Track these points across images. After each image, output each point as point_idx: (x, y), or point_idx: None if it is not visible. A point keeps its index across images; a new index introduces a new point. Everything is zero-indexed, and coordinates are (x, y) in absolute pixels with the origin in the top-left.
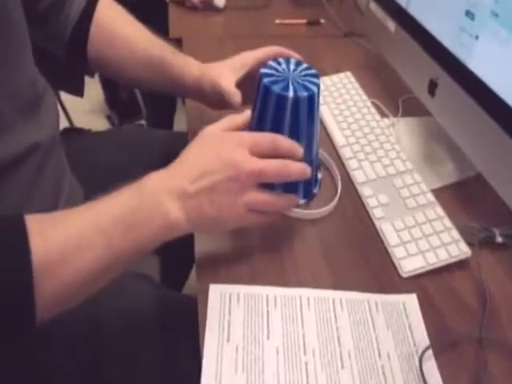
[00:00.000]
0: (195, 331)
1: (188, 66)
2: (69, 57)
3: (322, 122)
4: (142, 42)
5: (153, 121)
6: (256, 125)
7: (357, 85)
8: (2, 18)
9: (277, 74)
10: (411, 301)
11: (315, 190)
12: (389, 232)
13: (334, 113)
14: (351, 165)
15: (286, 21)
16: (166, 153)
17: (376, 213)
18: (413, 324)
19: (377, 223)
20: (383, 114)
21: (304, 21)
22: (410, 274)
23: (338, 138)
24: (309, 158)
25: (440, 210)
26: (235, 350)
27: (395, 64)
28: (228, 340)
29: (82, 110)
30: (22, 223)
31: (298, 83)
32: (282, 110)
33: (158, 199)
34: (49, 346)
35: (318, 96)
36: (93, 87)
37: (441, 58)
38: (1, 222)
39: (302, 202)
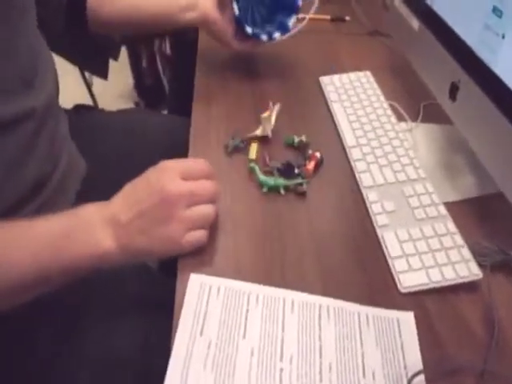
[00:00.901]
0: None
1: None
2: (69, 20)
3: (333, 120)
4: None
5: (175, 107)
6: None
7: (375, 85)
8: None
9: None
10: (407, 319)
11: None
12: (391, 242)
13: (348, 111)
14: (359, 167)
15: (309, 15)
16: (170, 139)
17: (379, 220)
18: (406, 344)
19: (379, 231)
20: (401, 118)
21: (328, 17)
22: (410, 290)
23: (348, 138)
24: None
25: (452, 225)
26: (207, 345)
27: (416, 64)
28: (201, 334)
29: (112, 95)
30: None
31: None
32: None
33: (91, 227)
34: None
35: None
36: (123, 74)
37: (464, 58)
38: None
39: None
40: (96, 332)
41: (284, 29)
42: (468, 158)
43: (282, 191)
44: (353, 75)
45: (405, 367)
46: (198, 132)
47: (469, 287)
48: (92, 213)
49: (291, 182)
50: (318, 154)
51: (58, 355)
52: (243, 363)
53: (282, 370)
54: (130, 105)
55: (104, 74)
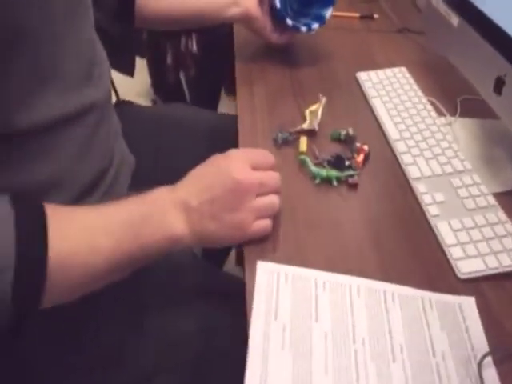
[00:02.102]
0: (239, 306)
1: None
2: (118, 16)
3: (373, 114)
4: None
5: (200, 103)
6: None
7: (412, 80)
8: None
9: None
10: (469, 304)
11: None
12: (445, 231)
13: (387, 106)
14: (405, 159)
15: (338, 13)
16: (211, 133)
17: (431, 210)
18: (471, 328)
19: (432, 221)
20: (440, 113)
21: (357, 14)
22: (468, 276)
23: (392, 132)
24: None
25: (502, 215)
26: (282, 328)
27: (457, 61)
28: (275, 318)
29: (130, 93)
30: (42, 214)
31: None
32: None
33: (163, 210)
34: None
35: None
36: (141, 72)
37: (510, 53)
38: (23, 210)
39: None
40: (154, 320)
41: (321, 20)
42: (509, 150)
43: (335, 182)
44: (389, 71)
45: (472, 349)
46: (245, 125)
47: None
48: (162, 198)
49: (343, 174)
50: (366, 147)
51: (120, 343)
52: (319, 345)
53: (356, 351)
54: (147, 102)
55: (131, 72)
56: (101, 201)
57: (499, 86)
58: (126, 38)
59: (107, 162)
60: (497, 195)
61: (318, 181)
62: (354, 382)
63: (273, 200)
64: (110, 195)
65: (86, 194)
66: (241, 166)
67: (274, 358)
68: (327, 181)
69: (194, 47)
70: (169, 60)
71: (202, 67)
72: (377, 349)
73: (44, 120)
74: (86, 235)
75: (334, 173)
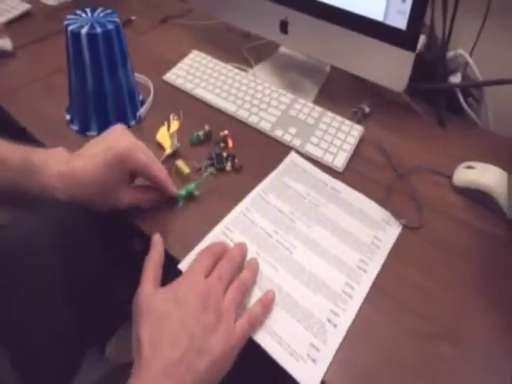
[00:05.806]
0: None
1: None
2: None
3: (205, 102)
4: None
5: None
6: (74, 70)
7: (209, 57)
8: None
9: (79, 19)
10: (294, 156)
11: (141, 111)
12: (313, 149)
13: (209, 88)
14: (253, 121)
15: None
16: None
17: (295, 142)
18: (306, 167)
19: (301, 149)
20: (244, 71)
21: None
22: (344, 167)
23: (228, 107)
24: (129, 83)
25: (330, 113)
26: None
27: (238, 23)
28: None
29: None
30: None
31: (100, 23)
32: (95, 46)
33: None
34: None
35: (119, 30)
36: None
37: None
38: None
39: (133, 123)
40: None
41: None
42: (298, 71)
43: (196, 192)
44: (187, 60)
45: (326, 184)
46: None
47: (362, 140)
48: None
49: (227, 165)
50: (226, 132)
51: None
52: (259, 259)
53: (277, 240)
54: None
55: None
56: None
57: (284, 27)
58: None
59: None
60: (316, 103)
61: (181, 204)
62: (289, 255)
63: (236, 288)
64: None
65: None
66: (195, 283)
67: None
68: (190, 196)
69: None
70: None
71: None
72: (281, 226)
73: None
74: None
75: (191, 185)
